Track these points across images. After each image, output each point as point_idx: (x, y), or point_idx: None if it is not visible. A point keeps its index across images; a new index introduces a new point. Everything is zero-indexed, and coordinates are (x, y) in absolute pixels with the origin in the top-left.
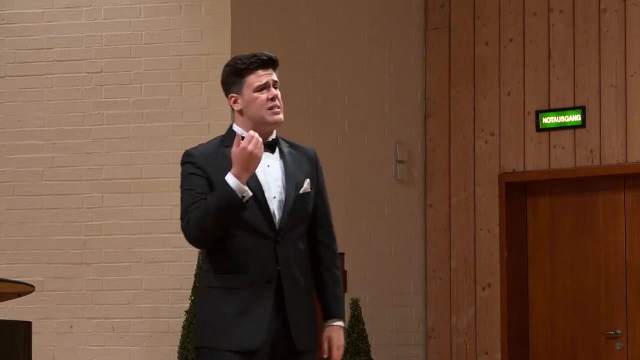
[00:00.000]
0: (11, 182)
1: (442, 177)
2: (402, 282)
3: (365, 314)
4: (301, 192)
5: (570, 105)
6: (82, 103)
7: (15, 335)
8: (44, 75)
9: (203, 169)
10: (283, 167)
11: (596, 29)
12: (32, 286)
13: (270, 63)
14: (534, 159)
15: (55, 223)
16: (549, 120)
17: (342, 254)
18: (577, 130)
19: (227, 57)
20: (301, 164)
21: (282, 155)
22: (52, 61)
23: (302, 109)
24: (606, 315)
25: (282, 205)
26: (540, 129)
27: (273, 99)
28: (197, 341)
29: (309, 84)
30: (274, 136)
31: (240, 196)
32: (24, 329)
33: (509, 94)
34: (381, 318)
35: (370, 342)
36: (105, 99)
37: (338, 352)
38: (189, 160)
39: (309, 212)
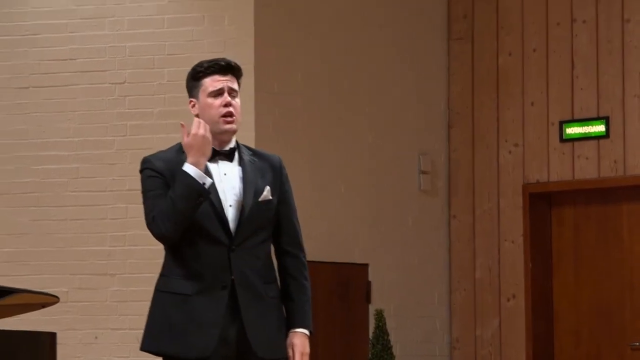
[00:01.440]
0: (35, 193)
1: (465, 187)
2: (426, 292)
3: (390, 325)
4: (260, 199)
5: (594, 115)
6: (106, 114)
7: (40, 346)
8: (67, 85)
9: (160, 172)
10: (241, 175)
11: (619, 39)
12: (57, 297)
13: (228, 69)
14: (558, 170)
15: (80, 234)
16: (572, 130)
17: (366, 265)
18: (601, 141)
19: (250, 68)
20: (263, 171)
21: (242, 163)
22: (76, 72)
23: (325, 119)
24: (631, 326)
25: (238, 212)
26: (563, 139)
27: (226, 105)
28: (145, 345)
29: (332, 94)
30: (232, 144)
31: (200, 182)
32: (49, 339)
33: (532, 104)
34: (405, 329)
35: (394, 353)
36: (128, 109)
37: (302, 358)
38: (147, 166)
39: (269, 219)
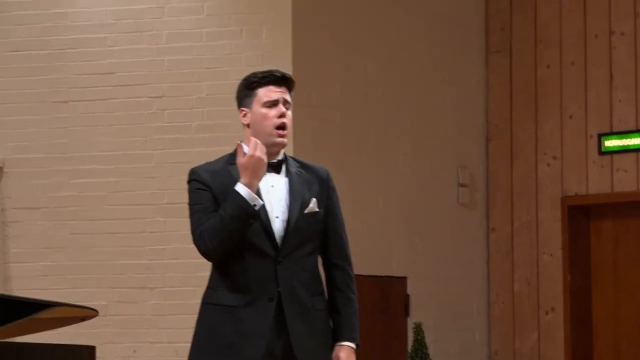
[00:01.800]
0: (74, 207)
1: (504, 200)
2: (464, 305)
3: (428, 338)
4: (306, 211)
5: (633, 127)
6: (144, 127)
7: None
8: (106, 99)
9: (208, 185)
10: (288, 187)
11: None
12: (96, 310)
13: (283, 81)
14: (596, 182)
15: (119, 247)
16: (611, 143)
17: (404, 278)
18: None
19: None
20: (310, 183)
21: (289, 175)
22: (115, 85)
23: (363, 132)
24: None
25: (284, 224)
26: (602, 152)
27: (281, 116)
28: (192, 357)
29: (370, 107)
30: (280, 156)
31: (252, 204)
32: (88, 353)
33: (570, 116)
34: (444, 341)
35: None
36: (167, 123)
37: None
38: (194, 177)
39: (316, 232)
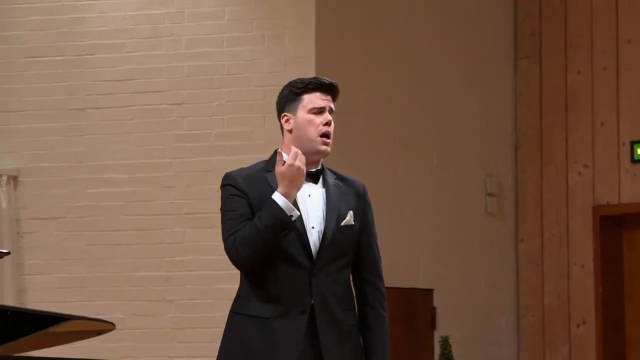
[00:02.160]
0: (91, 217)
1: (533, 210)
2: (493, 318)
3: (455, 352)
4: (342, 224)
5: None
6: (163, 135)
7: None
8: (124, 107)
9: (243, 191)
10: (325, 198)
11: None
12: (113, 324)
13: (330, 89)
14: (629, 191)
15: (136, 259)
16: None
17: (431, 290)
18: None
19: None
20: (347, 196)
21: (326, 185)
22: (133, 92)
23: (388, 140)
24: None
25: (320, 235)
26: (635, 159)
27: (327, 124)
28: None
29: (396, 114)
30: (319, 166)
31: (288, 214)
32: None
33: (602, 123)
34: (472, 356)
35: None
36: (186, 131)
37: None
38: (228, 182)
39: (351, 245)
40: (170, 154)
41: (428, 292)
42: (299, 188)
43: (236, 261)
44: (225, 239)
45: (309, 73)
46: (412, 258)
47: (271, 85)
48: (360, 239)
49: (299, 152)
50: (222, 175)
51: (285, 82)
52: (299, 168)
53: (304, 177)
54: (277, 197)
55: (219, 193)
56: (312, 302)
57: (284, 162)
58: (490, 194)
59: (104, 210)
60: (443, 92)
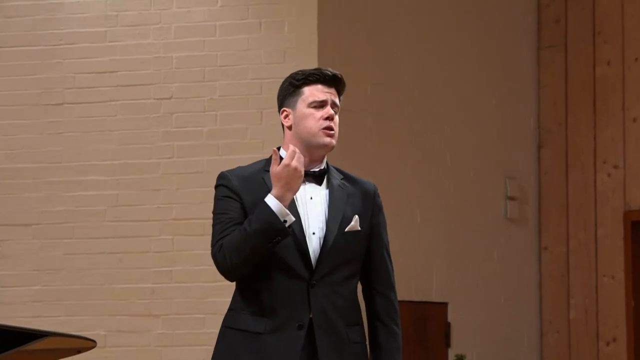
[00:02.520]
0: (69, 223)
1: (558, 215)
2: (513, 335)
3: None
4: (347, 229)
5: None
6: (150, 133)
7: None
8: (106, 102)
9: (237, 193)
10: (328, 201)
11: None
12: (94, 341)
13: (333, 81)
14: None
15: (119, 269)
16: None
17: (445, 304)
18: None
19: None
20: (353, 198)
21: (330, 187)
22: (116, 86)
23: (398, 139)
24: None
25: (321, 242)
26: None
27: (328, 118)
28: None
29: (406, 110)
30: (323, 165)
31: (281, 220)
32: None
33: (634, 120)
34: None
35: None
36: (175, 128)
37: None
38: (221, 182)
39: (357, 253)
40: (158, 153)
41: (442, 306)
42: (295, 191)
43: (223, 270)
44: (212, 244)
45: (310, 64)
46: (424, 269)
47: (269, 78)
48: (370, 246)
49: (297, 150)
50: (215, 177)
51: (285, 75)
52: (295, 169)
53: (302, 179)
54: (270, 199)
55: (210, 197)
56: (310, 316)
57: (281, 161)
58: (510, 198)
59: (84, 215)
60: (458, 85)
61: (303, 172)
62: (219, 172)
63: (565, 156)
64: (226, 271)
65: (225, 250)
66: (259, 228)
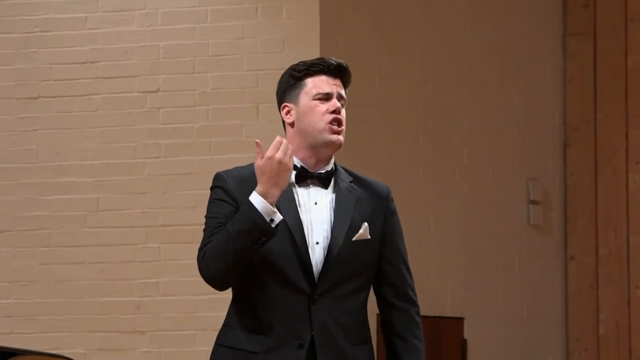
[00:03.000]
0: (46, 230)
1: (586, 221)
2: (536, 354)
3: None
4: (354, 238)
5: None
6: (134, 130)
7: None
8: (86, 95)
9: (232, 196)
10: (335, 206)
11: None
12: None
13: (338, 71)
14: None
15: (101, 281)
16: None
17: (461, 319)
18: None
19: None
20: (363, 203)
21: (338, 191)
22: (97, 78)
23: (408, 136)
24: None
25: (325, 252)
26: None
27: (335, 112)
28: None
29: (417, 104)
30: (330, 166)
31: (267, 219)
32: None
33: None
34: None
35: None
36: (162, 124)
37: None
38: (217, 184)
39: (366, 264)
40: (143, 153)
41: (458, 322)
42: (282, 187)
43: (207, 278)
44: (199, 250)
45: (312, 54)
46: (437, 280)
47: (266, 69)
48: (383, 256)
49: (285, 141)
50: (205, 178)
51: (284, 66)
52: (280, 162)
53: (290, 172)
54: (254, 197)
55: (201, 200)
56: (312, 334)
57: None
58: (533, 202)
59: (62, 221)
60: (474, 77)
61: (292, 165)
62: (215, 173)
63: (594, 156)
64: (210, 280)
65: (208, 257)
66: (242, 229)
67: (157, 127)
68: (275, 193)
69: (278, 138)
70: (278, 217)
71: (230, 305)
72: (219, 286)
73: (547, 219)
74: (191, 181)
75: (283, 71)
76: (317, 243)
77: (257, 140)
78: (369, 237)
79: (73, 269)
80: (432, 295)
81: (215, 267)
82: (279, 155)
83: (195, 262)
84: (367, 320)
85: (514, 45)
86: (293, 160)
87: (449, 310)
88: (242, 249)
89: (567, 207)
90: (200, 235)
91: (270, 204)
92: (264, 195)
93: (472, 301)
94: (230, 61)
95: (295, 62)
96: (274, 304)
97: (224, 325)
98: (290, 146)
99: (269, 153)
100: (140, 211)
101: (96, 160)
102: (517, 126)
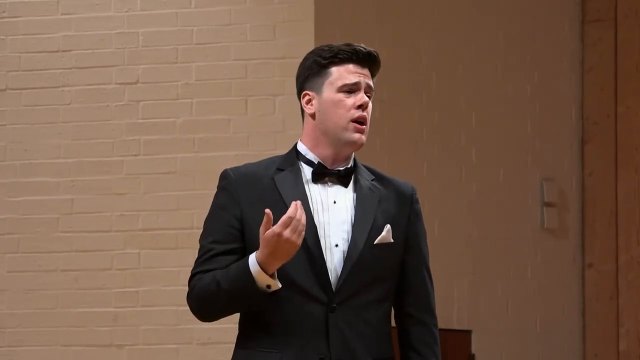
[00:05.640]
0: (14, 234)
1: (606, 225)
2: None
3: None
4: (376, 241)
5: None
6: (111, 125)
7: None
8: (58, 87)
9: (237, 200)
10: (355, 206)
11: None
12: None
13: (367, 60)
14: None
15: (75, 290)
16: None
17: (468, 332)
18: None
19: None
20: (386, 203)
21: (359, 189)
22: (70, 68)
23: (412, 132)
24: None
25: (344, 256)
26: None
27: (361, 107)
28: None
29: (421, 97)
30: (350, 162)
31: (262, 287)
32: None
33: None
34: None
35: None
36: (142, 119)
37: None
38: (222, 184)
39: (390, 270)
40: (121, 150)
41: (465, 335)
42: (284, 260)
43: (194, 313)
44: (192, 270)
45: (305, 42)
46: (443, 289)
47: (256, 58)
48: (406, 261)
49: (300, 207)
50: (189, 178)
51: (275, 55)
52: (287, 240)
53: (296, 249)
54: (252, 262)
55: (184, 202)
56: (330, 346)
57: (284, 217)
58: (548, 204)
59: (32, 225)
60: (483, 68)
61: (300, 242)
62: (223, 170)
63: (615, 154)
64: (199, 318)
65: (194, 296)
66: (232, 291)
67: (136, 122)
68: (277, 265)
69: (293, 206)
70: (276, 285)
71: (240, 323)
72: (203, 321)
73: (562, 223)
74: (173, 181)
75: (275, 61)
76: (337, 245)
77: (267, 210)
78: (392, 240)
79: (44, 277)
80: (437, 306)
81: (201, 312)
82: (287, 234)
83: (176, 269)
84: (391, 333)
85: (527, 33)
86: (303, 237)
87: (455, 323)
88: (229, 307)
89: (585, 210)
90: (183, 240)
91: (270, 276)
92: (263, 265)
93: (480, 312)
94: (216, 50)
95: (288, 51)
96: (289, 316)
97: (236, 347)
98: (302, 218)
99: (276, 229)
100: (118, 214)
101: (69, 159)
102: (530, 121)
